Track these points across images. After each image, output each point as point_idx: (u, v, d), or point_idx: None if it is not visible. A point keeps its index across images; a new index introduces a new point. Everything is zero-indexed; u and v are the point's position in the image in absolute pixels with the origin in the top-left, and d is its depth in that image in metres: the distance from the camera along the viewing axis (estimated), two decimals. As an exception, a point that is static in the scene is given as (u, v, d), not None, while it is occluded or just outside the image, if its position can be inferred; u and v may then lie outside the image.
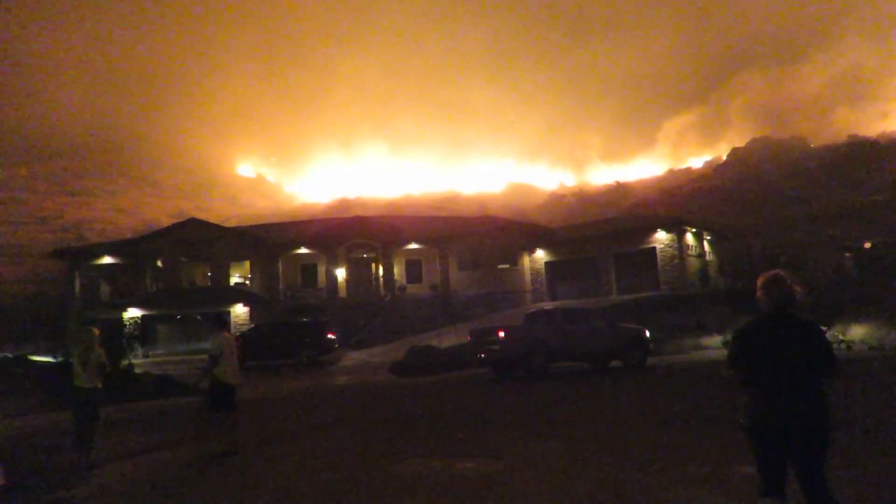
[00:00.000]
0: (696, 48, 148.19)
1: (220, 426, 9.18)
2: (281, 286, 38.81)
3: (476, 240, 38.46)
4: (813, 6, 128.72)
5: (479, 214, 50.05)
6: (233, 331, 34.91)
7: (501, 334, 16.99)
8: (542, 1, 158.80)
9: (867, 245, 30.46)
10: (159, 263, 38.68)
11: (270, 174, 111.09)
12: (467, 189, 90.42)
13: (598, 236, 34.83)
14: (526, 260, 37.23)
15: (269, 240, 39.37)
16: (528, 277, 37.00)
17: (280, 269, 39.21)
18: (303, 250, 39.38)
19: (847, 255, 30.09)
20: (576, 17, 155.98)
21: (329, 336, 25.53)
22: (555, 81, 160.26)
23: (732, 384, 4.09)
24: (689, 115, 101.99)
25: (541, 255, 36.56)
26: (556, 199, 76.55)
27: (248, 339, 25.19)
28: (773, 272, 4.10)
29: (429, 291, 37.83)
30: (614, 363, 17.97)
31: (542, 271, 36.39)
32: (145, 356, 29.27)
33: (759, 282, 4.09)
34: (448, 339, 24.79)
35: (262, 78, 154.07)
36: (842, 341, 18.49)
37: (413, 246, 39.59)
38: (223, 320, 9.90)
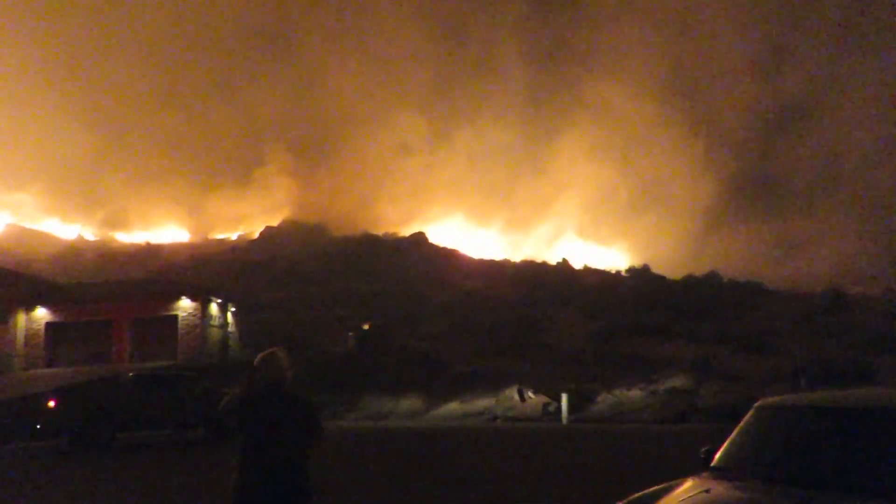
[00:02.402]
0: (239, 130, 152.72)
1: None
2: None
3: (-46, 289, 31.23)
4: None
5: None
6: None
7: (52, 403, 15.97)
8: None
9: (366, 326, 35.21)
10: None
11: None
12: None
13: (116, 298, 32.27)
14: (21, 318, 31.70)
15: None
16: (21, 339, 31.49)
17: None
18: None
19: (350, 333, 34.21)
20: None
21: None
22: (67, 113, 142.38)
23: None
24: (230, 188, 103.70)
25: (42, 313, 31.70)
26: (75, 253, 68.08)
27: None
28: (270, 350, 4.35)
29: None
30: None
31: (42, 333, 31.53)
32: None
33: (258, 358, 4.27)
34: None
35: None
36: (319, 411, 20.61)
37: None
38: None
